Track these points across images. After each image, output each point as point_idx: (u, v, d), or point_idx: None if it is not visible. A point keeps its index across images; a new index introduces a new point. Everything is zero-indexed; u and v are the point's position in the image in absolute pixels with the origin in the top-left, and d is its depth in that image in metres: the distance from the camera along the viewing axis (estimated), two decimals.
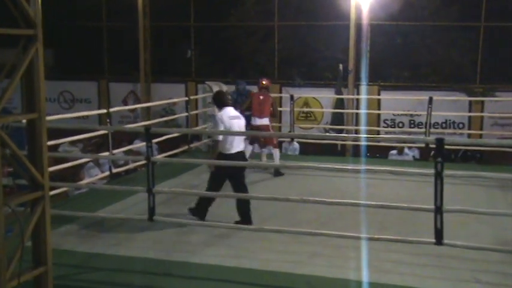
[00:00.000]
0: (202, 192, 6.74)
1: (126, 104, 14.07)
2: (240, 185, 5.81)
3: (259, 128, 8.33)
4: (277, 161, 8.37)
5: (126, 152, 9.18)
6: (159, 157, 7.86)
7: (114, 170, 8.21)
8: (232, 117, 5.94)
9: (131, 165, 8.75)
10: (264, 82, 8.66)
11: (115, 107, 10.77)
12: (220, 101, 6.07)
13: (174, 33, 14.84)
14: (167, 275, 4.59)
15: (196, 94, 12.98)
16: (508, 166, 9.44)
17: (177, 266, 4.73)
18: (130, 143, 10.23)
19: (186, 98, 10.66)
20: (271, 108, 8.46)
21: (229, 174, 5.77)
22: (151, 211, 4.97)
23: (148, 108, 13.18)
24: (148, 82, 14.16)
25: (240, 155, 5.92)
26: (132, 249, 5.09)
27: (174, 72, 14.60)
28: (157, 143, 9.18)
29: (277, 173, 8.29)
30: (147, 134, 4.98)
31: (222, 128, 5.87)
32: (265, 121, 8.39)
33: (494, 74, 12.69)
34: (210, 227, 5.33)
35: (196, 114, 12.21)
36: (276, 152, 8.43)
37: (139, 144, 9.27)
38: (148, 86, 14.17)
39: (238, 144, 5.88)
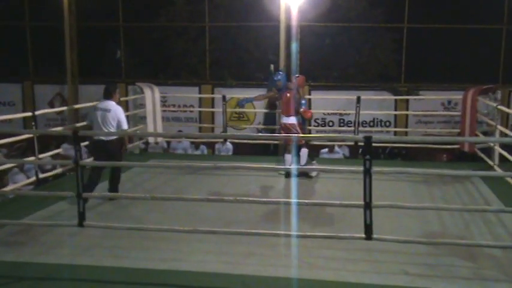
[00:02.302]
0: (132, 195, 6.63)
1: (52, 107, 13.57)
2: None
3: (285, 126, 8.02)
4: (303, 161, 8.05)
5: (54, 156, 8.85)
6: (88, 161, 7.63)
7: (41, 175, 7.90)
8: (95, 109, 6.76)
9: (59, 170, 8.46)
10: (293, 80, 8.27)
11: (41, 109, 10.37)
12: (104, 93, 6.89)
13: (103, 33, 14.47)
14: (97, 281, 4.46)
15: (126, 96, 12.72)
16: (431, 162, 9.89)
17: (108, 271, 4.61)
18: (58, 147, 9.88)
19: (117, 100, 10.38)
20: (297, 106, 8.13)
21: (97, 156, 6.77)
22: (81, 216, 4.82)
23: (76, 110, 12.77)
24: (76, 83, 13.73)
25: (99, 141, 6.71)
26: (61, 257, 4.91)
27: (103, 73, 14.26)
28: (86, 146, 8.92)
29: (305, 174, 7.97)
30: (75, 138, 4.82)
31: (88, 115, 6.97)
32: (291, 120, 8.01)
33: (418, 73, 13.26)
34: (142, 230, 5.23)
35: (127, 116, 11.93)
36: (304, 152, 8.07)
37: (66, 148, 8.98)
38: (76, 87, 13.74)
39: (96, 131, 6.79)
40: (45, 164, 9.06)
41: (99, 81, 13.91)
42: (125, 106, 11.89)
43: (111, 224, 5.47)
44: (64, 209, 6.12)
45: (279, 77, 8.28)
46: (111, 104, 6.73)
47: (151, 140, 10.41)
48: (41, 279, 4.52)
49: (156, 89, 9.78)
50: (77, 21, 13.59)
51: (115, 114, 6.67)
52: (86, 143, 7.54)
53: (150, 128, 9.63)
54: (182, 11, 14.08)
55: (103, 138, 6.63)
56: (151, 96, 9.72)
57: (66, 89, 13.81)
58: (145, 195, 6.73)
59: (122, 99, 10.78)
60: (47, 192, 6.65)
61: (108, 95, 6.81)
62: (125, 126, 6.80)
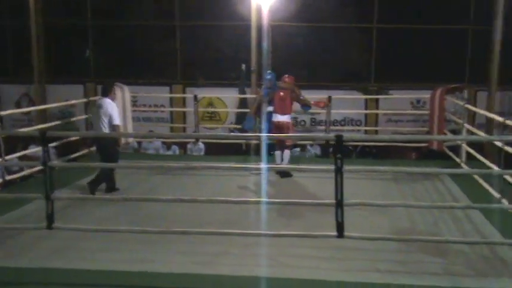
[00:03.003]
0: (103, 196, 6.54)
1: (19, 107, 13.29)
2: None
3: (278, 124, 8.15)
4: (285, 162, 8.19)
5: (21, 158, 8.66)
6: (56, 162, 7.50)
7: (8, 177, 7.72)
8: (94, 106, 7.34)
9: (27, 172, 8.28)
10: (286, 80, 8.40)
11: (7, 110, 10.14)
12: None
13: (71, 32, 14.23)
14: (68, 284, 4.39)
15: (96, 95, 12.55)
16: (401, 160, 10.02)
17: (79, 274, 4.54)
18: (25, 148, 9.67)
19: (85, 100, 10.25)
20: (296, 102, 8.43)
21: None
22: (50, 218, 4.73)
23: (44, 110, 12.54)
24: (43, 83, 13.46)
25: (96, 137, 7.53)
26: (30, 260, 4.81)
27: (71, 73, 14.03)
28: (54, 147, 8.77)
29: (285, 173, 8.09)
30: (43, 138, 4.72)
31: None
32: (286, 118, 8.21)
33: (387, 73, 13.43)
34: (112, 232, 5.16)
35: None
36: (286, 153, 8.24)
37: (34, 149, 8.79)
38: (43, 87, 13.48)
39: (94, 127, 7.37)
40: (12, 166, 8.86)
41: (67, 80, 13.76)
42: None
43: (81, 225, 5.40)
44: (32, 212, 6.00)
45: (269, 76, 8.55)
46: (105, 101, 7.11)
47: (122, 140, 10.27)
48: (9, 283, 4.43)
49: (126, 89, 9.65)
50: (44, 19, 13.34)
51: (106, 110, 7.04)
52: (54, 143, 7.44)
53: (121, 128, 9.50)
54: (153, 9, 13.96)
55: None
56: (122, 96, 9.59)
57: (33, 89, 13.54)
58: (116, 196, 6.67)
59: (91, 99, 10.68)
60: (15, 195, 6.51)
61: (104, 92, 7.24)
62: (116, 121, 7.09)
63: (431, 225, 5.76)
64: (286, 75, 8.51)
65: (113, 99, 7.24)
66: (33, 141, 10.45)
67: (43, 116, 12.72)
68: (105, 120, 7.04)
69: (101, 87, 7.46)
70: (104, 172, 7.09)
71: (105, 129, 7.08)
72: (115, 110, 7.13)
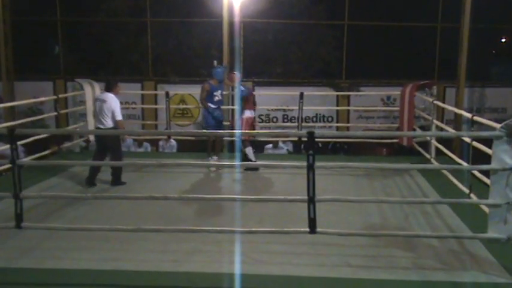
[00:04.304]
0: (74, 195, 6.46)
1: None
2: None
3: (252, 120, 8.49)
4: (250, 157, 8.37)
5: None
6: (25, 160, 7.37)
7: None
8: (95, 100, 7.50)
9: None
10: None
11: None
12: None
13: (40, 28, 13.97)
14: (37, 284, 4.32)
15: (65, 92, 12.37)
16: (372, 156, 10.15)
17: (49, 274, 4.47)
18: None
19: (55, 97, 10.09)
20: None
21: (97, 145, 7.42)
22: (19, 217, 4.64)
23: (12, 108, 12.29)
24: (11, 80, 13.20)
25: (98, 130, 7.51)
26: None
27: (40, 70, 13.78)
28: (23, 145, 8.61)
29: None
30: (12, 136, 4.63)
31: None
32: (253, 113, 8.52)
33: (358, 70, 13.56)
34: (83, 230, 5.10)
35: (67, 114, 11.60)
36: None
37: (2, 147, 8.61)
38: (12, 84, 13.21)
39: (95, 121, 7.50)
40: None
41: (36, 77, 13.51)
42: (64, 103, 11.61)
43: (50, 224, 5.32)
44: (0, 211, 5.87)
45: (219, 69, 8.54)
46: (108, 96, 7.23)
47: (92, 138, 10.15)
48: None
49: (97, 86, 9.53)
50: (11, 15, 13.07)
51: (110, 105, 7.16)
52: (23, 141, 7.29)
53: (91, 126, 9.39)
54: (123, 5, 13.79)
55: (100, 126, 7.23)
56: (92, 93, 9.48)
57: (1, 86, 13.26)
58: (86, 194, 6.58)
59: (60, 96, 10.52)
60: None
61: (108, 88, 7.37)
62: (118, 117, 7.19)
63: (402, 220, 5.85)
64: (235, 71, 8.78)
65: (116, 95, 7.31)
66: (1, 139, 10.25)
67: (11, 113, 12.46)
68: (109, 114, 7.16)
69: (104, 81, 7.56)
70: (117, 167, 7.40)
71: (108, 124, 7.20)
72: (118, 105, 7.23)
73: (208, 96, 8.34)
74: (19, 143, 7.26)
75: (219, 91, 8.44)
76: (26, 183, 5.39)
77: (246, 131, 8.24)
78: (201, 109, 8.76)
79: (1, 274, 4.47)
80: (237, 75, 8.72)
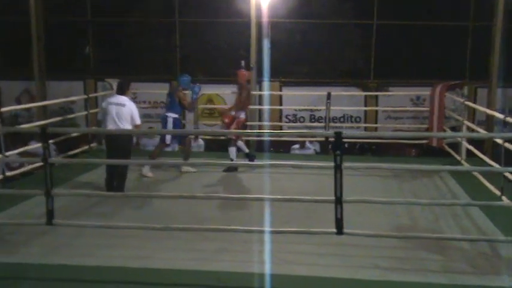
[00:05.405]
0: (102, 193, 6.54)
1: (19, 103, 13.28)
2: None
3: (245, 121, 8.53)
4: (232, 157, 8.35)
5: (21, 154, 8.67)
6: (57, 158, 7.51)
7: (8, 173, 7.73)
8: (109, 103, 6.92)
9: (27, 168, 8.29)
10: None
11: (7, 106, 10.13)
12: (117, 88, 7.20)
13: (71, 28, 14.22)
14: (67, 280, 4.40)
15: (95, 92, 12.55)
16: (401, 157, 10.04)
17: (79, 270, 4.55)
18: (26, 144, 9.66)
19: (85, 96, 10.24)
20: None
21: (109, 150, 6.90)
22: (50, 214, 4.73)
23: (44, 107, 12.52)
24: (44, 80, 13.44)
25: (113, 135, 6.88)
26: (30, 256, 4.82)
27: (71, 69, 14.02)
28: (54, 143, 8.78)
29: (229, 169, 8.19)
30: (44, 134, 4.72)
31: (101, 110, 7.13)
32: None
33: (387, 69, 13.40)
34: (112, 228, 5.17)
35: (96, 113, 11.77)
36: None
37: (35, 145, 8.79)
38: (44, 83, 13.45)
39: (109, 125, 6.91)
40: (12, 162, 8.87)
41: (67, 77, 13.74)
42: (95, 103, 11.78)
43: (81, 222, 5.41)
44: (33, 208, 6.00)
45: (186, 78, 8.36)
46: (125, 99, 6.95)
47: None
48: (8, 278, 4.43)
49: (131, 84, 9.63)
50: (45, 16, 13.32)
51: (129, 109, 6.89)
52: (54, 140, 7.41)
53: (141, 128, 9.49)
54: (152, 6, 13.94)
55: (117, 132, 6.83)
56: None
57: (33, 85, 13.52)
58: (115, 193, 6.67)
59: (90, 95, 10.68)
60: (15, 191, 6.52)
61: (121, 90, 7.04)
62: (138, 122, 6.98)
63: (431, 222, 5.77)
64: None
65: (129, 97, 7.10)
66: (34, 138, 10.45)
67: (43, 112, 12.70)
68: (128, 118, 6.84)
69: (117, 84, 7.30)
70: (123, 170, 6.94)
71: (126, 128, 6.89)
72: (136, 109, 6.98)
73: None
74: (51, 141, 7.41)
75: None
76: (57, 181, 5.48)
77: (244, 131, 8.26)
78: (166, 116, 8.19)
79: (34, 270, 4.57)
80: (246, 72, 8.76)
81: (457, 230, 5.51)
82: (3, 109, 7.93)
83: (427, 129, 9.66)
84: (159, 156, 8.15)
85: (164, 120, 8.18)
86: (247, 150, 8.66)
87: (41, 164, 4.79)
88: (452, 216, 5.87)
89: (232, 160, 8.21)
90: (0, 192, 6.61)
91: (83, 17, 13.86)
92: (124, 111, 6.82)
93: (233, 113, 8.45)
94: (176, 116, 8.09)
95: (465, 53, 13.30)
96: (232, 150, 8.35)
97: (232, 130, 8.15)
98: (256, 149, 10.39)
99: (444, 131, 9.05)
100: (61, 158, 8.30)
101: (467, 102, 8.49)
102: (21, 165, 8.45)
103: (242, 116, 8.40)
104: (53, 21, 13.55)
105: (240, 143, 8.59)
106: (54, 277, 4.46)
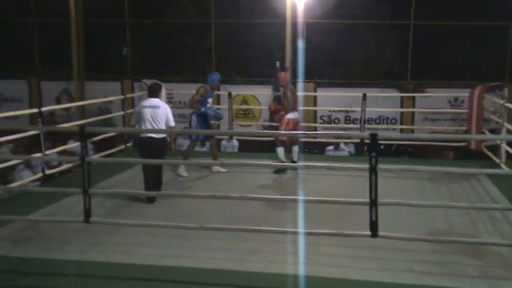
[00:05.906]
0: (138, 192, 6.64)
1: (59, 103, 13.62)
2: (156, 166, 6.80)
3: (296, 121, 8.49)
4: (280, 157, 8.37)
5: (60, 153, 8.89)
6: (94, 157, 7.65)
7: (48, 172, 7.93)
8: (144, 106, 6.78)
9: (65, 166, 8.49)
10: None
11: (47, 106, 10.40)
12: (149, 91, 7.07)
13: (109, 30, 14.48)
14: (104, 277, 4.49)
15: (132, 92, 12.76)
16: (437, 159, 9.86)
17: (116, 267, 4.63)
18: (65, 143, 9.91)
19: (122, 97, 10.43)
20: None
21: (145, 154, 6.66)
22: (87, 212, 4.83)
23: (82, 107, 12.81)
24: (82, 80, 13.76)
25: (150, 139, 6.64)
26: (68, 253, 4.94)
27: (109, 70, 14.28)
28: (92, 142, 8.95)
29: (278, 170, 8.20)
30: (82, 134, 4.83)
31: (135, 115, 6.98)
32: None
33: (424, 70, 13.19)
34: (148, 227, 5.25)
35: (133, 113, 11.95)
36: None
37: (73, 145, 9.00)
38: (82, 84, 13.77)
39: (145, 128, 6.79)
40: (51, 160, 9.09)
41: (105, 78, 14.01)
42: (131, 103, 11.97)
43: (117, 220, 5.50)
44: (70, 205, 6.14)
45: (215, 76, 8.50)
46: (159, 101, 6.86)
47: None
48: (47, 275, 4.55)
49: (162, 86, 9.76)
50: (83, 17, 13.62)
51: (164, 111, 6.80)
52: (92, 139, 7.53)
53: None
54: (188, 7, 14.08)
55: (154, 136, 6.62)
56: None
57: (72, 86, 13.84)
58: (150, 192, 6.76)
59: (127, 96, 10.86)
60: (53, 189, 6.68)
61: (154, 93, 6.92)
62: (172, 123, 6.90)
63: (469, 226, 5.65)
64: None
65: (161, 100, 7.02)
66: (72, 137, 10.70)
67: (82, 112, 12.99)
68: (162, 121, 6.75)
69: (149, 87, 7.21)
70: (158, 172, 6.88)
71: (161, 132, 6.83)
72: (170, 111, 6.90)
73: (201, 100, 8.21)
74: (89, 140, 7.57)
75: (211, 98, 8.40)
76: (94, 179, 5.60)
77: (293, 132, 8.16)
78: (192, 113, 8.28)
79: (72, 266, 4.67)
80: (285, 73, 8.75)
81: (496, 235, 5.38)
82: (44, 108, 8.12)
83: (465, 132, 9.46)
84: (191, 157, 8.20)
85: (189, 119, 8.30)
86: (295, 159, 8.51)
87: (79, 162, 4.90)
88: (490, 221, 5.74)
89: (281, 161, 8.24)
90: (39, 190, 6.78)
91: (121, 19, 14.10)
92: (159, 113, 6.74)
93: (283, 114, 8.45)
94: (199, 111, 8.16)
95: (505, 53, 12.97)
96: (280, 151, 8.36)
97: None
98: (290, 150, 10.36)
99: (483, 133, 8.85)
100: (98, 157, 8.46)
101: (507, 104, 8.28)
102: (60, 163, 8.65)
103: (291, 116, 8.36)
104: (92, 23, 13.84)
105: (295, 148, 8.52)
106: (92, 274, 4.55)
